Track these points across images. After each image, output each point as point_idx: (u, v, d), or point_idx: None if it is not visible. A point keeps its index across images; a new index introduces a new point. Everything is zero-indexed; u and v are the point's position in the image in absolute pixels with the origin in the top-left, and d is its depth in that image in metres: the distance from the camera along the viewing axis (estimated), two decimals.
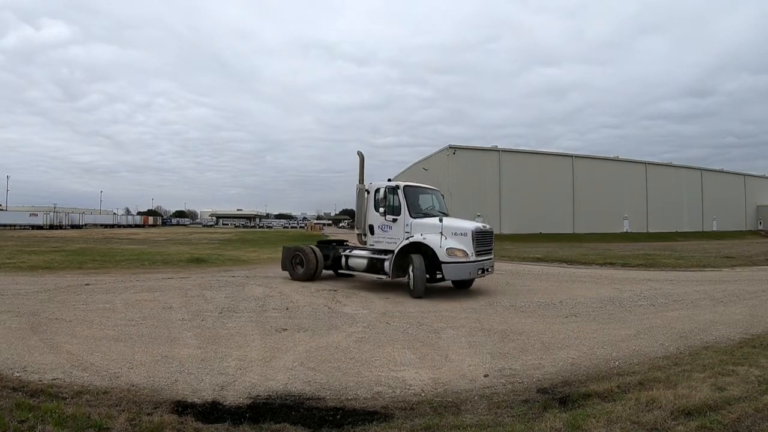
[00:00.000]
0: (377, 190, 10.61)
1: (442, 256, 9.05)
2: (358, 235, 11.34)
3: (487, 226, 10.19)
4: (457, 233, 9.36)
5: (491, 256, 10.02)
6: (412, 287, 9.27)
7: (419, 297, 9.05)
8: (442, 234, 9.25)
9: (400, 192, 10.21)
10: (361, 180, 11.28)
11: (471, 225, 9.67)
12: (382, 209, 10.32)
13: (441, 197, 11.56)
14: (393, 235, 10.13)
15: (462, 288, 10.48)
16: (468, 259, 9.13)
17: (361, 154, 11.56)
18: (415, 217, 9.95)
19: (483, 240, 9.62)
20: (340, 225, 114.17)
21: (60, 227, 66.05)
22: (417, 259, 9.29)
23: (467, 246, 9.20)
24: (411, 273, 9.32)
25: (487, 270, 9.79)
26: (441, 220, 9.34)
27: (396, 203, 10.21)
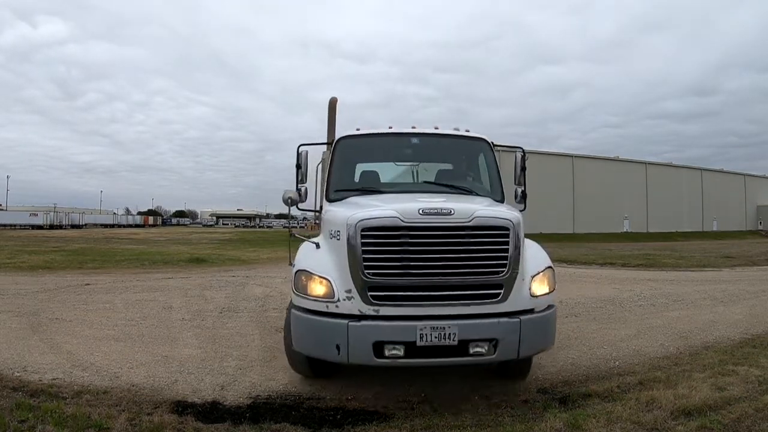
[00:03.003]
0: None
1: (292, 292, 4.04)
2: None
3: (442, 208, 3.48)
4: (333, 234, 3.80)
5: (484, 310, 3.55)
6: None
7: (300, 373, 4.36)
8: (291, 234, 4.88)
9: (335, 150, 5.02)
10: (331, 143, 5.32)
11: (360, 211, 3.64)
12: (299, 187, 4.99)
13: (489, 157, 5.01)
14: None
15: (509, 376, 4.42)
16: (329, 308, 3.54)
17: (334, 100, 6.53)
18: (332, 200, 4.65)
19: (412, 250, 3.43)
20: None
21: (60, 227, 66.02)
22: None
23: (337, 266, 3.63)
24: None
25: (459, 352, 3.41)
26: (289, 200, 4.58)
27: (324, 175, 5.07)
